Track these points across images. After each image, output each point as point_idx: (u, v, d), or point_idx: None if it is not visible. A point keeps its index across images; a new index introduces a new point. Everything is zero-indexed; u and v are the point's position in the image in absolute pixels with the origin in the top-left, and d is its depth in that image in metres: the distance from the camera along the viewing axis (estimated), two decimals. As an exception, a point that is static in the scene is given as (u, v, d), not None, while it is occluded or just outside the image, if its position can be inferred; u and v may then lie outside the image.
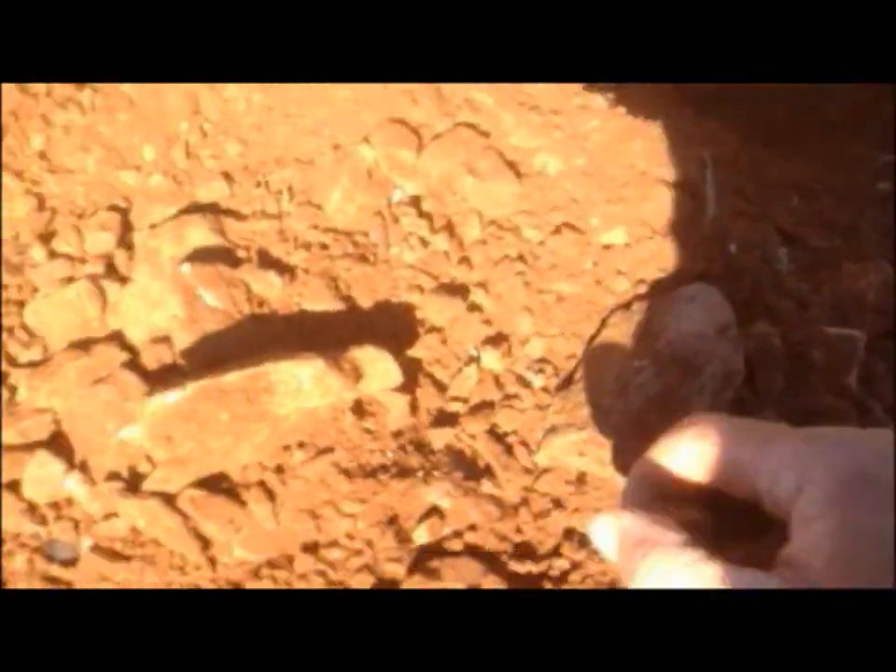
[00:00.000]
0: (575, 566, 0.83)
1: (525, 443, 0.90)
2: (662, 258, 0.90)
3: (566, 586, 0.84)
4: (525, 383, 0.90)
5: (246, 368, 0.80)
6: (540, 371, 0.91)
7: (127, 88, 1.04)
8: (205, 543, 0.85)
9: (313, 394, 0.80)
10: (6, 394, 0.94)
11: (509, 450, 0.89)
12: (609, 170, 0.91)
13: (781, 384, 0.86)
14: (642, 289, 0.90)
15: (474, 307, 0.92)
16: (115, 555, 0.87)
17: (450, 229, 0.93)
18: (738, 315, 0.86)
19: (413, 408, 0.88)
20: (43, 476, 0.90)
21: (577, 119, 0.93)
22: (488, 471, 0.87)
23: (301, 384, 0.79)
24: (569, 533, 0.86)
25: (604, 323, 0.90)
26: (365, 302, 0.90)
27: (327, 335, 0.88)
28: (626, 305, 0.90)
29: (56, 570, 0.88)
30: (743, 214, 0.93)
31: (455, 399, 0.90)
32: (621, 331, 0.89)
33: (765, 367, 0.86)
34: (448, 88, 0.96)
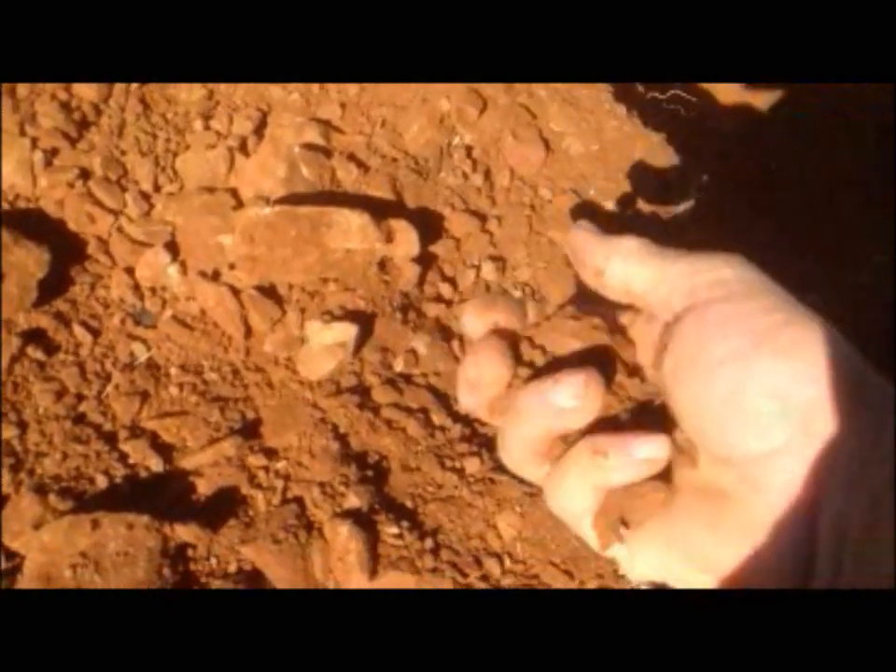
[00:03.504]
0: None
1: (494, 332, 1.19)
2: (637, 228, 1.20)
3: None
4: (505, 293, 1.20)
5: (318, 206, 1.13)
6: (520, 289, 1.21)
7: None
8: (248, 332, 1.17)
9: (356, 237, 1.12)
10: (145, 206, 1.30)
11: (481, 332, 1.19)
12: (612, 157, 1.23)
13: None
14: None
15: (486, 231, 1.23)
16: (184, 325, 1.19)
17: (487, 173, 1.26)
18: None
19: (421, 282, 1.19)
20: (153, 264, 1.24)
21: (602, 118, 1.25)
22: (460, 339, 1.17)
23: (350, 226, 1.11)
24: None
25: (577, 261, 1.21)
26: (411, 202, 1.23)
27: (378, 214, 1.20)
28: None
29: (139, 331, 1.22)
30: (704, 217, 1.22)
31: (454, 289, 1.21)
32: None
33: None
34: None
